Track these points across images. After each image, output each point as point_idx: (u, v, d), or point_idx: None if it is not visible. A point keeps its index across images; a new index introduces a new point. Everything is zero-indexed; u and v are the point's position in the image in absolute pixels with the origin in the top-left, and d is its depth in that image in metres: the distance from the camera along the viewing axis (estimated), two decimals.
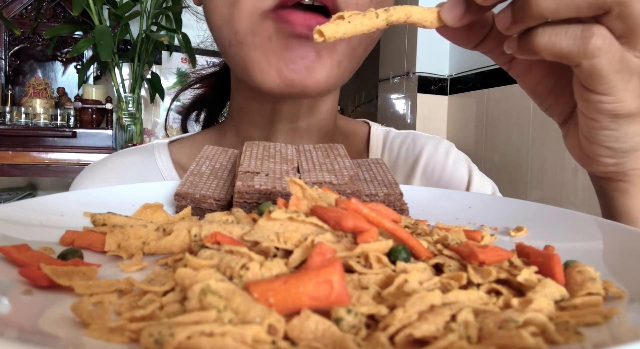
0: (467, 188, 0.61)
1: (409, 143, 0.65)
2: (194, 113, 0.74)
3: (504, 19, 0.32)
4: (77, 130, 1.95)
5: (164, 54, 2.37)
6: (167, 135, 0.85)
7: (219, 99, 0.71)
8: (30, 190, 2.18)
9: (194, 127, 0.75)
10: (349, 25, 0.31)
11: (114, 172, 0.59)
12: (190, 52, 2.07)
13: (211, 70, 0.72)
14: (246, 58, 0.47)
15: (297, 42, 0.45)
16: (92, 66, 2.24)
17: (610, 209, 0.41)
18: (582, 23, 0.30)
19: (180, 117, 0.77)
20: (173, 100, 0.83)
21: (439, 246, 0.26)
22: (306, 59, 0.46)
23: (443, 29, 0.35)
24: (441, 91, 2.36)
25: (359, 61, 0.51)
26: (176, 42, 2.09)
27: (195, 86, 0.73)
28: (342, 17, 0.31)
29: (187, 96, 0.74)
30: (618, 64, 0.30)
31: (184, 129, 0.73)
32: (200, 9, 0.59)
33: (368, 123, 0.69)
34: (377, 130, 0.67)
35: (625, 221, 0.39)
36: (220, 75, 0.70)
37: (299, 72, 0.46)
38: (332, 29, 0.30)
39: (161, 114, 2.37)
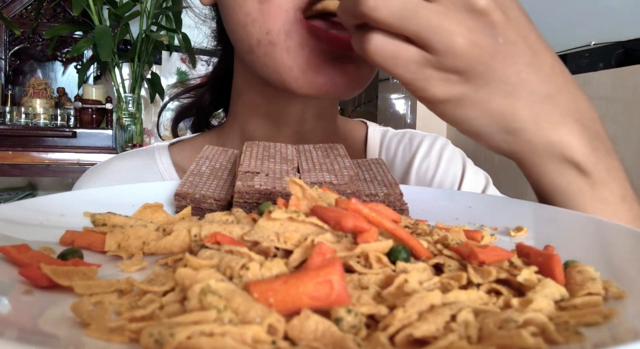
0: (460, 183, 0.62)
1: (406, 142, 0.66)
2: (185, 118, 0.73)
3: None
4: (77, 130, 1.95)
5: (164, 53, 2.37)
6: (161, 138, 0.85)
7: (211, 106, 0.70)
8: (30, 190, 2.18)
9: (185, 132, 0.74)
10: None
11: (115, 175, 0.60)
12: (190, 52, 2.07)
13: (199, 80, 0.72)
14: (279, 62, 0.45)
15: (335, 57, 0.45)
16: (92, 66, 2.24)
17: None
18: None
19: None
20: (161, 111, 0.83)
21: (439, 246, 0.26)
22: (344, 70, 0.45)
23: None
24: None
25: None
26: (176, 42, 2.09)
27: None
28: None
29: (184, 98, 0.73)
30: (392, 60, 0.33)
31: (175, 135, 0.73)
32: (200, 10, 0.58)
33: (365, 123, 0.69)
34: (375, 130, 0.67)
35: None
36: (216, 83, 0.68)
37: (337, 82, 0.45)
38: None
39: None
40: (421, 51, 0.33)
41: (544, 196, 0.40)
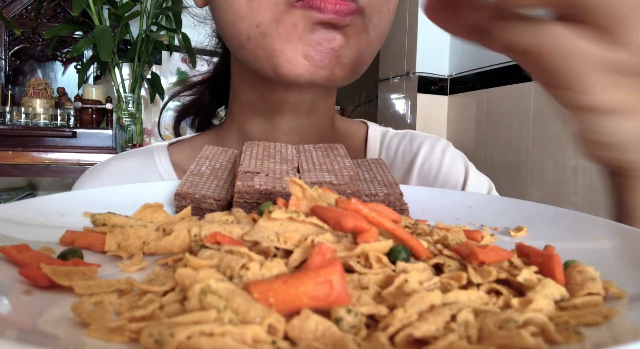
0: (463, 186, 0.61)
1: (406, 142, 0.66)
2: (186, 118, 0.73)
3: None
4: (77, 130, 1.95)
5: (164, 53, 2.37)
6: (162, 138, 0.85)
7: (212, 104, 0.70)
8: (30, 190, 2.18)
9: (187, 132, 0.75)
10: None
11: (114, 175, 0.60)
12: (190, 52, 2.07)
13: (200, 77, 0.72)
14: (270, 48, 0.46)
15: (323, 26, 0.45)
16: (92, 66, 2.24)
17: (616, 207, 0.39)
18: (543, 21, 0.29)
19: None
20: (162, 109, 0.83)
21: (439, 246, 0.26)
22: (333, 42, 0.45)
23: (430, 13, 0.34)
24: (441, 91, 2.36)
25: (373, 55, 0.51)
26: (176, 42, 2.09)
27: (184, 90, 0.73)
28: None
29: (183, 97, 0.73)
30: (569, 57, 0.28)
31: (177, 134, 0.73)
32: (198, 11, 0.58)
33: (366, 123, 0.69)
34: (375, 130, 0.67)
35: (629, 221, 0.37)
36: (216, 80, 0.69)
37: (327, 53, 0.45)
38: None
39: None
40: (603, 49, 0.28)
41: (627, 214, 0.37)
